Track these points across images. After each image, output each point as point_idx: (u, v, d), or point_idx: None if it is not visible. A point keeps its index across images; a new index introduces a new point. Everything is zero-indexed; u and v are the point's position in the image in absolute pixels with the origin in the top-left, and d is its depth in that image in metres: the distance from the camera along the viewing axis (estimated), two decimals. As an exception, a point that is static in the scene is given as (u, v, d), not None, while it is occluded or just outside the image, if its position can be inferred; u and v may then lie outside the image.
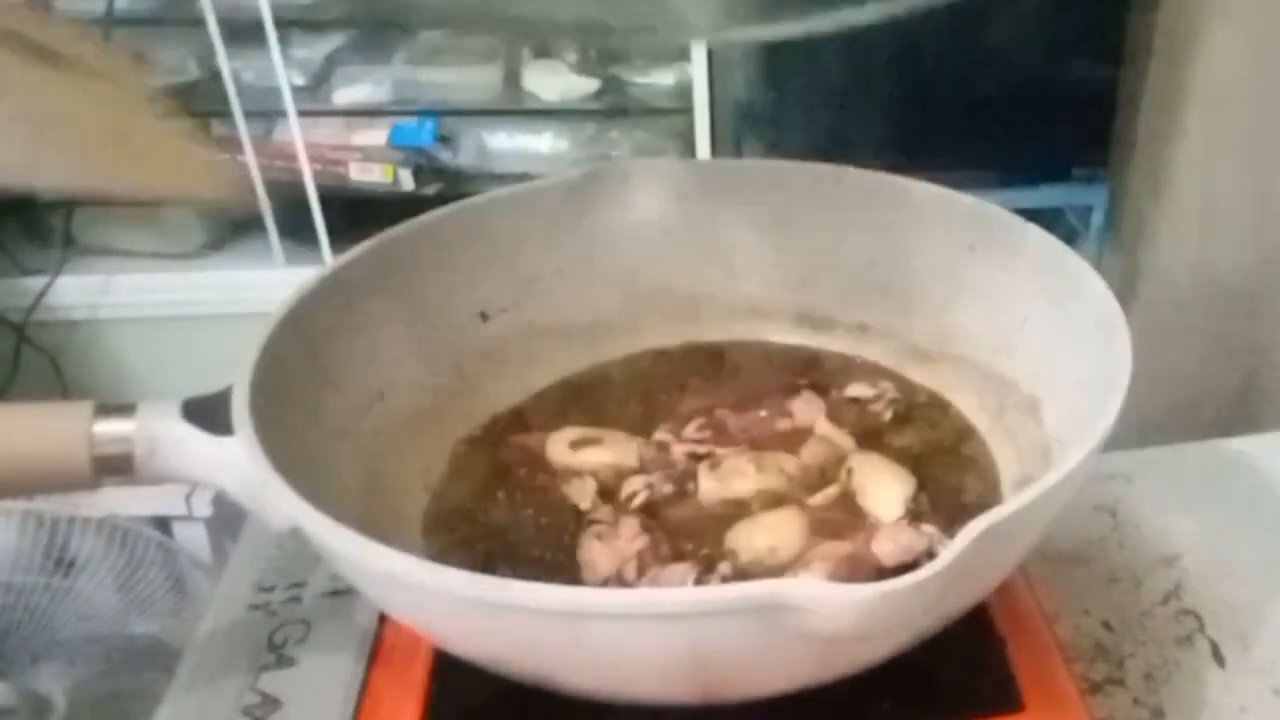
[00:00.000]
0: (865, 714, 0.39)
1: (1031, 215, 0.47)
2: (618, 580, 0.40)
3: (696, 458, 0.46)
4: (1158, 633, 0.50)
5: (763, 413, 0.49)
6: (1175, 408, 1.14)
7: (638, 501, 0.44)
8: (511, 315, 0.51)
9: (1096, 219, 1.40)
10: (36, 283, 1.40)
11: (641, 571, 0.40)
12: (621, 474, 0.46)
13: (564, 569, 0.42)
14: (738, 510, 0.43)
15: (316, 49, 1.43)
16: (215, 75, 1.32)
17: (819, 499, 0.43)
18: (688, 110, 1.37)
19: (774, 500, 0.43)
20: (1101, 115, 1.34)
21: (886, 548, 0.40)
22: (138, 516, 0.97)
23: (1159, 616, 0.50)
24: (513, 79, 1.45)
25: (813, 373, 0.52)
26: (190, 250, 1.46)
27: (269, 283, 1.36)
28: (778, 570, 0.40)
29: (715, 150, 1.39)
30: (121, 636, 0.89)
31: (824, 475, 0.45)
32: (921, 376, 0.51)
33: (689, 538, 0.42)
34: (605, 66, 1.48)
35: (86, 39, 0.35)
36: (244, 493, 0.38)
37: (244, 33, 1.29)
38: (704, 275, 0.54)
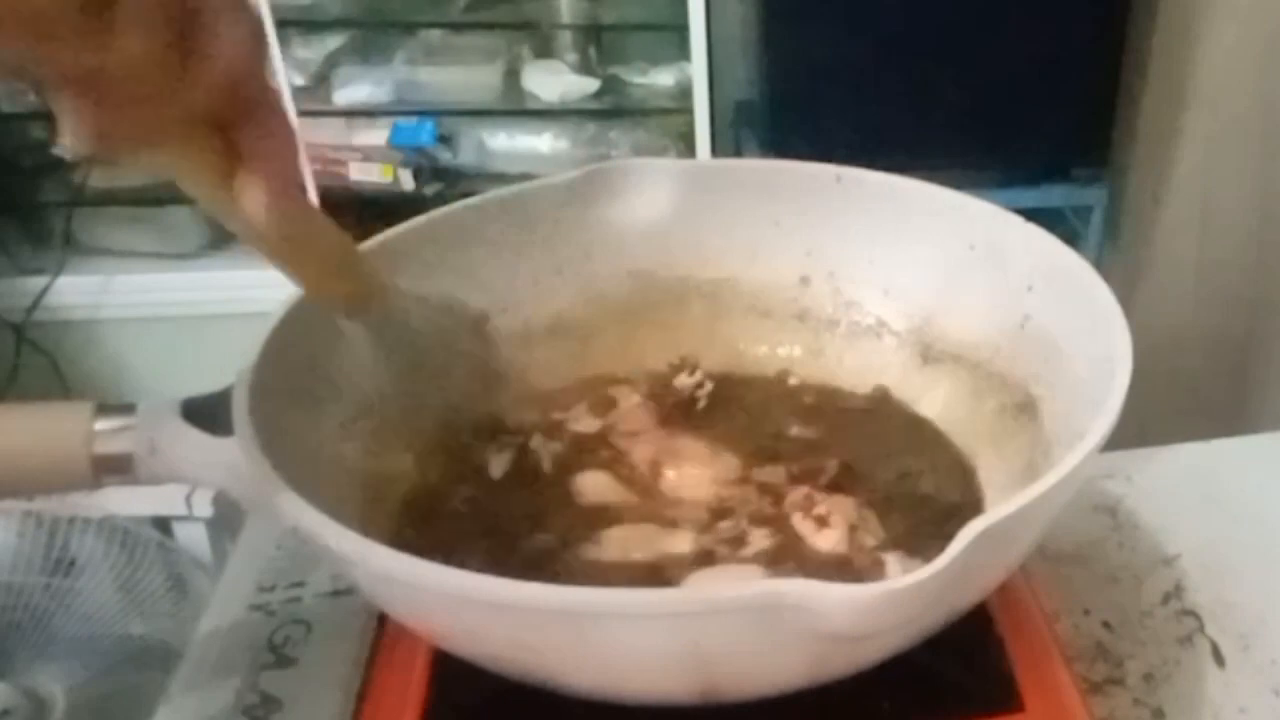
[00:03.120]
0: (865, 714, 0.39)
1: (1031, 215, 0.47)
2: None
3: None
4: (1158, 633, 0.50)
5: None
6: (1175, 408, 1.14)
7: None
8: (511, 315, 0.51)
9: (1096, 219, 1.40)
10: (36, 283, 1.40)
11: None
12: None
13: (566, 567, 0.42)
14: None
15: (316, 49, 1.43)
16: (215, 75, 1.32)
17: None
18: (688, 110, 1.38)
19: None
20: (1101, 115, 1.34)
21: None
22: (138, 516, 0.97)
23: (1159, 616, 0.50)
24: (513, 79, 1.45)
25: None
26: (190, 250, 1.46)
27: (269, 283, 1.36)
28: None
29: (715, 150, 1.40)
30: (121, 636, 0.89)
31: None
32: (921, 376, 0.51)
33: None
34: (605, 67, 1.48)
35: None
36: (244, 493, 0.38)
37: (244, 33, 1.29)
38: (704, 275, 0.54)
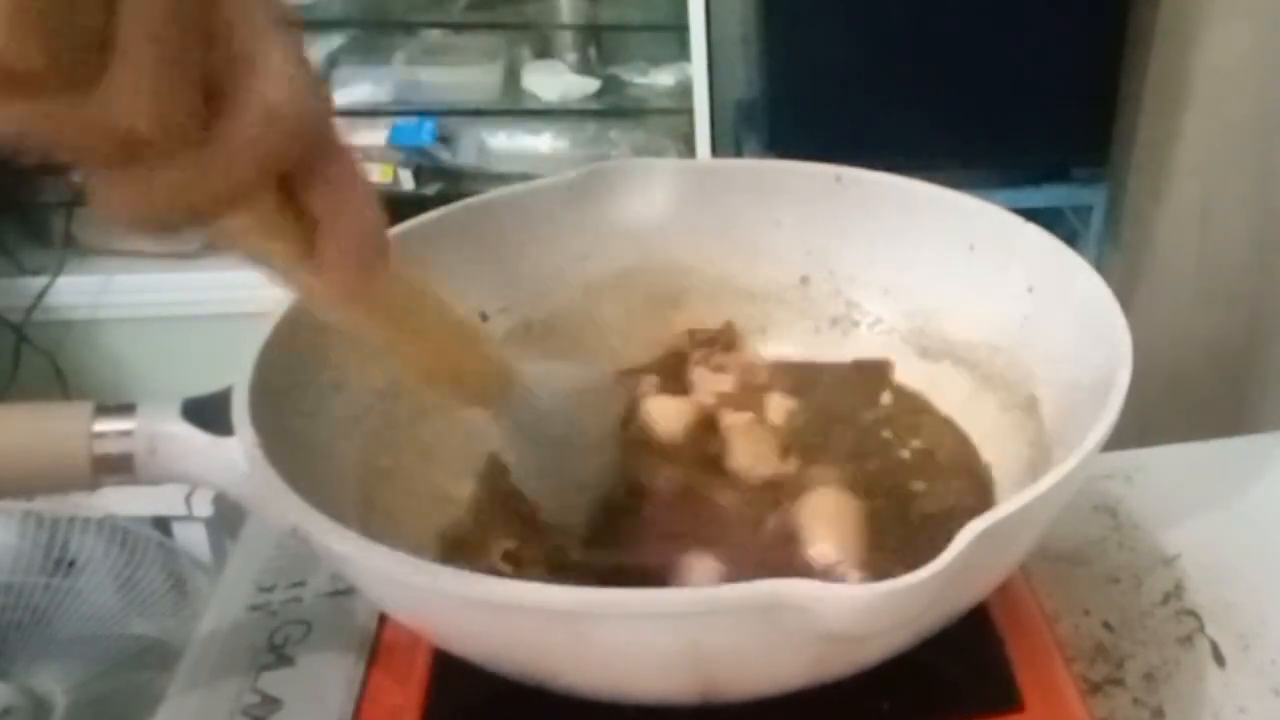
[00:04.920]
0: (865, 714, 0.39)
1: (1031, 215, 0.47)
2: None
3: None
4: (1158, 633, 0.50)
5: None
6: (1175, 408, 1.14)
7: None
8: (511, 315, 0.51)
9: (1096, 219, 1.40)
10: (36, 283, 1.40)
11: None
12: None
13: (564, 566, 0.42)
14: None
15: (316, 49, 1.43)
16: (215, 75, 1.32)
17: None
18: (688, 110, 1.37)
19: None
20: (1101, 115, 1.34)
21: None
22: (138, 516, 0.97)
23: (1159, 616, 0.50)
24: (513, 79, 1.45)
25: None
26: (190, 250, 1.46)
27: (269, 283, 1.36)
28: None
29: (715, 150, 1.40)
30: (121, 636, 0.89)
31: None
32: (920, 376, 0.51)
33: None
34: (605, 66, 1.48)
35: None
36: (244, 493, 0.38)
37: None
38: (704, 275, 0.54)
